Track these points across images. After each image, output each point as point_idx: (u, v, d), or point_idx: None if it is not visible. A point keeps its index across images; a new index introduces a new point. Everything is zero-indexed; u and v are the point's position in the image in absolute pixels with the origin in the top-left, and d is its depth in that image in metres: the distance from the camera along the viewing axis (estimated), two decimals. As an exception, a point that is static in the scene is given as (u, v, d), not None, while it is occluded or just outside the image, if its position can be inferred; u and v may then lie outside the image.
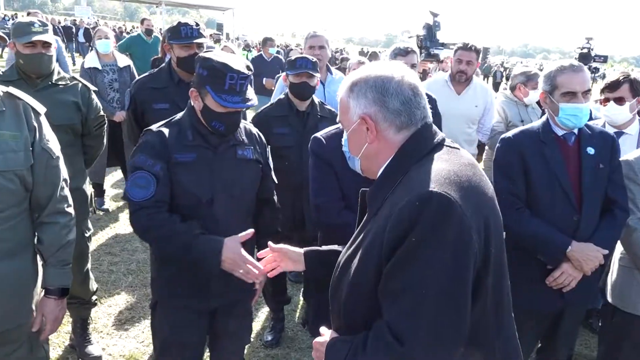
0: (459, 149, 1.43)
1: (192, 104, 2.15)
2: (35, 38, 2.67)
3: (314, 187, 2.32)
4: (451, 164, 1.32)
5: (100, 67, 5.14)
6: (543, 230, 2.41)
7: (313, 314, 2.20)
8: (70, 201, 2.11)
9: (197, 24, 3.10)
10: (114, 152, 5.31)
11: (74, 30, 21.54)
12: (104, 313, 3.79)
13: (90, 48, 21.96)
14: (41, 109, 2.01)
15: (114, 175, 7.03)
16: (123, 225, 5.49)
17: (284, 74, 3.33)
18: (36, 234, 2.03)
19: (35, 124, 1.96)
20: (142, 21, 7.51)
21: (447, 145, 1.40)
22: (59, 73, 2.92)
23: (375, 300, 1.28)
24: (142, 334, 3.58)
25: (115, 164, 5.78)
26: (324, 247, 1.81)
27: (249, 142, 2.27)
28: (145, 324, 3.68)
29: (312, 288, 2.71)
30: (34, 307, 2.02)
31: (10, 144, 1.86)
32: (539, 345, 2.92)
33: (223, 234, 2.06)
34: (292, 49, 12.70)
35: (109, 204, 6.02)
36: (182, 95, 3.09)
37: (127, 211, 5.92)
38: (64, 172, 2.07)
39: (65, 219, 2.07)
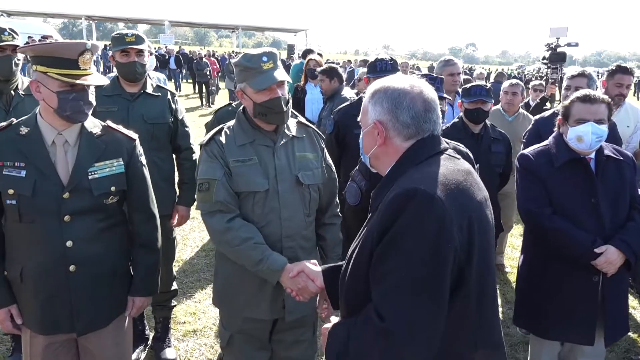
0: (459, 158, 1.56)
1: None
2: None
3: (524, 195, 2.64)
4: (444, 168, 1.45)
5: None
6: None
7: None
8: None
9: (392, 59, 3.53)
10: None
11: (167, 57, 22.96)
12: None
13: (180, 73, 23.31)
14: (320, 133, 2.49)
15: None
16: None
17: (459, 100, 3.69)
18: (319, 233, 2.49)
19: (322, 145, 2.45)
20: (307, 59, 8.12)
21: (448, 154, 1.54)
22: None
23: (369, 288, 1.41)
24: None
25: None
26: (340, 263, 1.87)
27: None
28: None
29: None
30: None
31: (314, 162, 2.36)
32: None
33: None
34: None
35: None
36: (378, 122, 3.53)
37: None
38: (337, 182, 2.54)
39: (339, 220, 2.55)
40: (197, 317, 4.15)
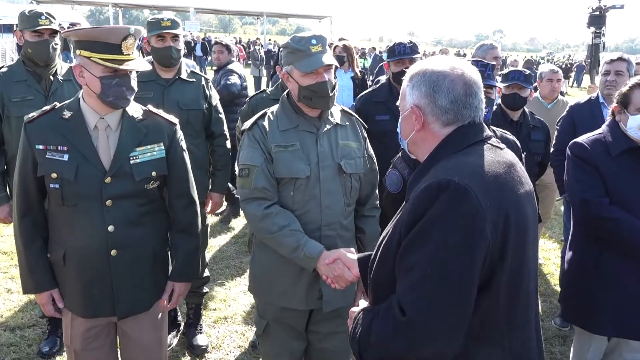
0: (502, 148, 1.46)
1: None
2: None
3: (580, 185, 2.51)
4: (482, 159, 1.36)
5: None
6: None
7: None
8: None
9: (411, 42, 3.43)
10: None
11: (192, 44, 23.07)
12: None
13: (205, 60, 23.40)
14: (362, 122, 2.44)
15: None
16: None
17: (498, 87, 3.57)
18: (358, 225, 2.42)
19: (365, 135, 2.40)
20: (333, 44, 8.15)
21: (491, 144, 1.44)
22: None
23: (395, 277, 1.36)
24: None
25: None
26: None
27: None
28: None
29: None
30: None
31: (357, 151, 2.30)
32: None
33: None
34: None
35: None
36: (400, 107, 3.45)
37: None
38: (378, 174, 2.48)
39: (378, 213, 2.48)
40: (227, 304, 4.16)
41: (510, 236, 1.31)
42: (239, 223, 6.00)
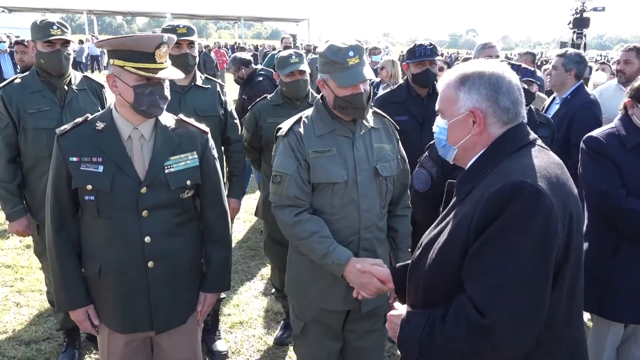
0: (548, 149, 1.51)
1: None
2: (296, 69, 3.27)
3: (597, 177, 2.58)
4: (542, 161, 1.41)
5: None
6: None
7: None
8: None
9: (431, 44, 3.49)
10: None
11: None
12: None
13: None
14: (394, 123, 2.46)
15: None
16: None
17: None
18: (391, 225, 2.45)
19: (397, 136, 2.42)
20: (282, 40, 8.41)
21: (540, 145, 1.49)
22: (312, 94, 3.43)
23: (456, 279, 1.37)
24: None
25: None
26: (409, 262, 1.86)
27: None
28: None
29: None
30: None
31: (391, 154, 2.33)
32: None
33: None
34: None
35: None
36: (418, 108, 3.49)
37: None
38: (409, 174, 2.52)
39: (410, 212, 2.53)
40: (241, 309, 4.16)
41: (573, 234, 1.37)
42: (242, 228, 6.00)
